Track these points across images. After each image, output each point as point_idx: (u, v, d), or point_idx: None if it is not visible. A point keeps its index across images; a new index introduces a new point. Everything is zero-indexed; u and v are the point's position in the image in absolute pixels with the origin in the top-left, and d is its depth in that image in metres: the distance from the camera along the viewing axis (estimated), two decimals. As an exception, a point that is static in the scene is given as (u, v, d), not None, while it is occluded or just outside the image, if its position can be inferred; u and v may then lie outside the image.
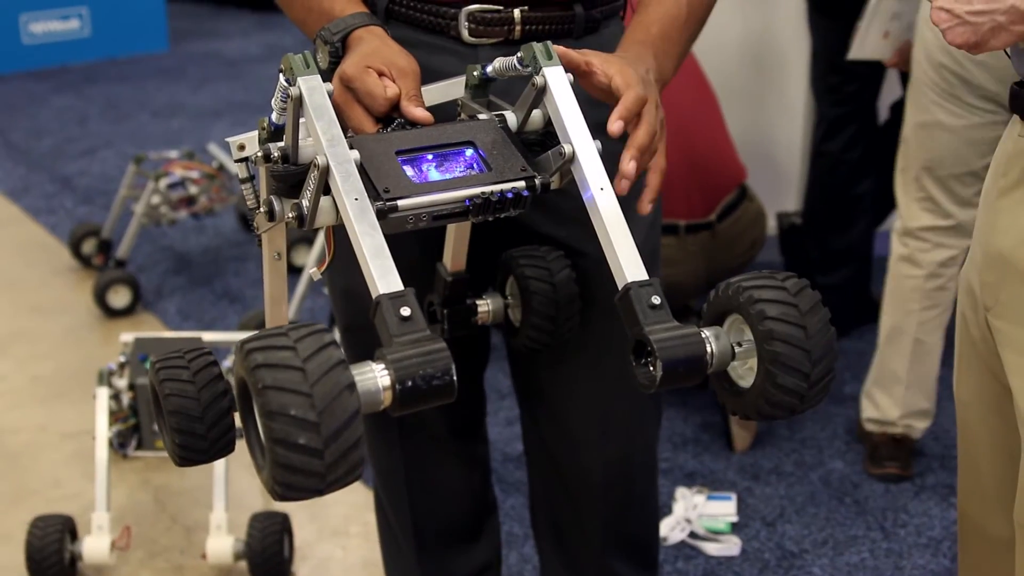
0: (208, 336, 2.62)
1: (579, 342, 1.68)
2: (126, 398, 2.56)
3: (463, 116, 1.36)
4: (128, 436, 2.56)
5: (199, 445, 1.28)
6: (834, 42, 3.37)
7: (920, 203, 2.67)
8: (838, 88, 3.47)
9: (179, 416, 1.26)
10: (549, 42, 1.25)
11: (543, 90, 1.23)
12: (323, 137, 1.12)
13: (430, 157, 1.20)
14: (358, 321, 1.79)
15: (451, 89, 1.40)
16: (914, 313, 2.72)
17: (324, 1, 1.47)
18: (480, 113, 1.29)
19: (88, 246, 4.06)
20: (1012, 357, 1.31)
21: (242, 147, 1.29)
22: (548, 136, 1.26)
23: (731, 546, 2.56)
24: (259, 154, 1.18)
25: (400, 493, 1.95)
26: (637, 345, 1.12)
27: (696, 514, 2.64)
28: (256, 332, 0.97)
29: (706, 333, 1.12)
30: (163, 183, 3.80)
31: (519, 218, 1.30)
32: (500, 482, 2.79)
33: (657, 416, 1.94)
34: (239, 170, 1.32)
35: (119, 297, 3.72)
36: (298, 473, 0.94)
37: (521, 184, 1.20)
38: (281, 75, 1.16)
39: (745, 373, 1.13)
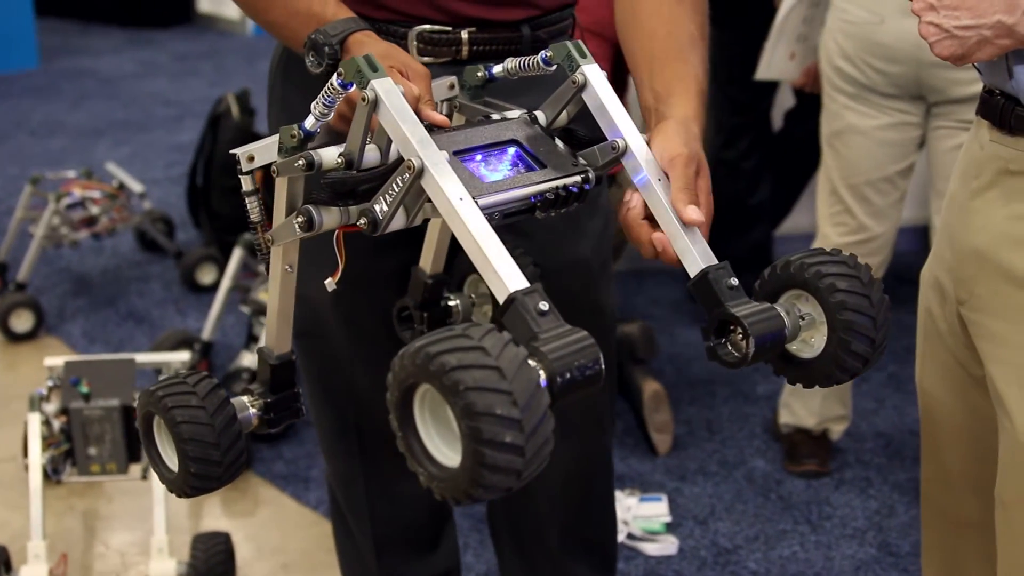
0: (141, 357, 2.58)
1: None
2: (57, 423, 2.50)
3: (460, 116, 1.35)
4: (60, 461, 2.51)
5: (213, 472, 1.27)
6: (732, 53, 3.48)
7: (835, 218, 2.75)
8: (736, 98, 3.59)
9: (194, 444, 1.25)
10: (580, 41, 1.26)
11: (583, 87, 1.25)
12: (412, 139, 1.10)
13: (478, 157, 1.20)
14: (311, 328, 1.79)
15: (436, 92, 1.41)
16: None
17: (313, 5, 1.45)
18: (492, 113, 1.30)
19: (-17, 270, 3.95)
20: (988, 346, 1.40)
21: (251, 158, 1.25)
22: (568, 132, 1.28)
23: (668, 545, 2.63)
24: (300, 163, 1.15)
25: (360, 502, 1.96)
26: (720, 324, 1.16)
27: (631, 516, 2.70)
28: (429, 336, 0.95)
29: (777, 309, 1.17)
30: (63, 203, 3.72)
31: None
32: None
33: (612, 418, 1.98)
34: (244, 183, 1.27)
35: (22, 321, 3.62)
36: (499, 472, 0.93)
37: (579, 179, 1.21)
38: (336, 78, 1.13)
39: (801, 345, 1.19)
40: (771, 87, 3.58)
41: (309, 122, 1.18)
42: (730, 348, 1.16)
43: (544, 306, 1.03)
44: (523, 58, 1.31)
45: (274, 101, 1.74)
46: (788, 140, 3.78)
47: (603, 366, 1.02)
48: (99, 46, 7.81)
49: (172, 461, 1.29)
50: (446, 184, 1.08)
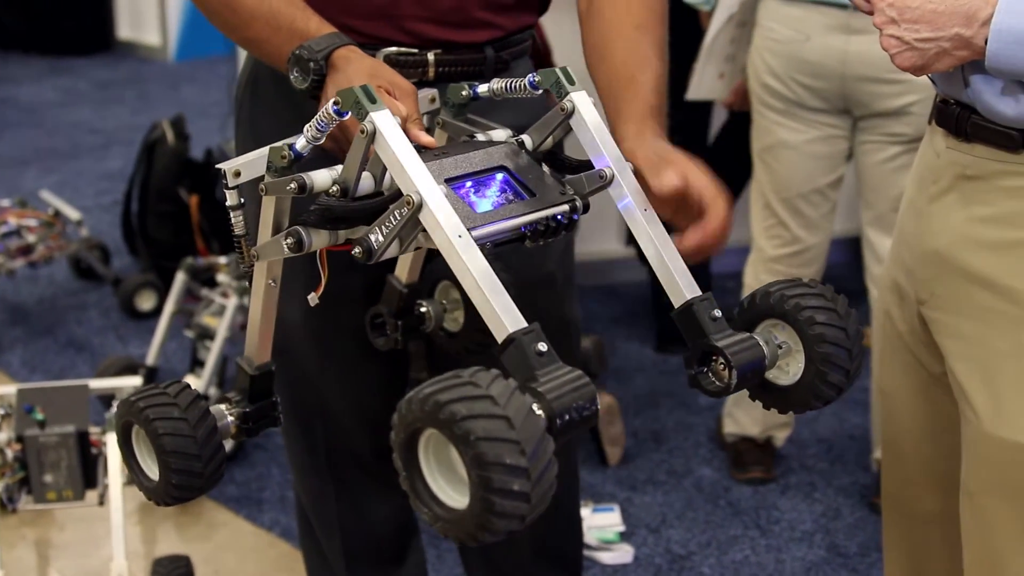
0: (95, 383, 2.57)
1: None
2: (10, 451, 2.48)
3: (442, 133, 1.37)
4: (16, 490, 2.48)
5: (194, 483, 1.29)
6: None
7: (769, 231, 2.83)
8: (671, 116, 3.65)
9: (177, 456, 1.26)
10: (567, 67, 1.28)
11: (571, 113, 1.26)
12: (411, 173, 1.12)
13: (468, 184, 1.21)
14: (280, 345, 1.81)
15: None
16: None
17: (297, 20, 1.46)
18: (476, 132, 1.32)
19: (-85, 301, 3.89)
20: (949, 343, 1.46)
21: (238, 174, 1.26)
22: (552, 156, 1.30)
23: (624, 554, 2.68)
24: (292, 185, 1.16)
25: (330, 517, 1.97)
26: (703, 355, 1.20)
27: (585, 526, 2.74)
28: (433, 381, 0.98)
29: (756, 338, 1.21)
30: (-1, 232, 3.69)
31: None
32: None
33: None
34: (229, 197, 1.27)
35: (-41, 352, 3.58)
36: (506, 518, 0.95)
37: (568, 208, 1.23)
38: (332, 105, 1.15)
39: (777, 372, 1.24)
40: (707, 106, 3.66)
41: (300, 144, 1.19)
42: (712, 377, 1.20)
43: (543, 347, 1.06)
44: (510, 80, 1.31)
45: (241, 122, 1.76)
46: (719, 156, 3.86)
47: (599, 405, 1.06)
48: (19, 74, 7.70)
49: (152, 470, 1.31)
50: (445, 220, 1.10)
